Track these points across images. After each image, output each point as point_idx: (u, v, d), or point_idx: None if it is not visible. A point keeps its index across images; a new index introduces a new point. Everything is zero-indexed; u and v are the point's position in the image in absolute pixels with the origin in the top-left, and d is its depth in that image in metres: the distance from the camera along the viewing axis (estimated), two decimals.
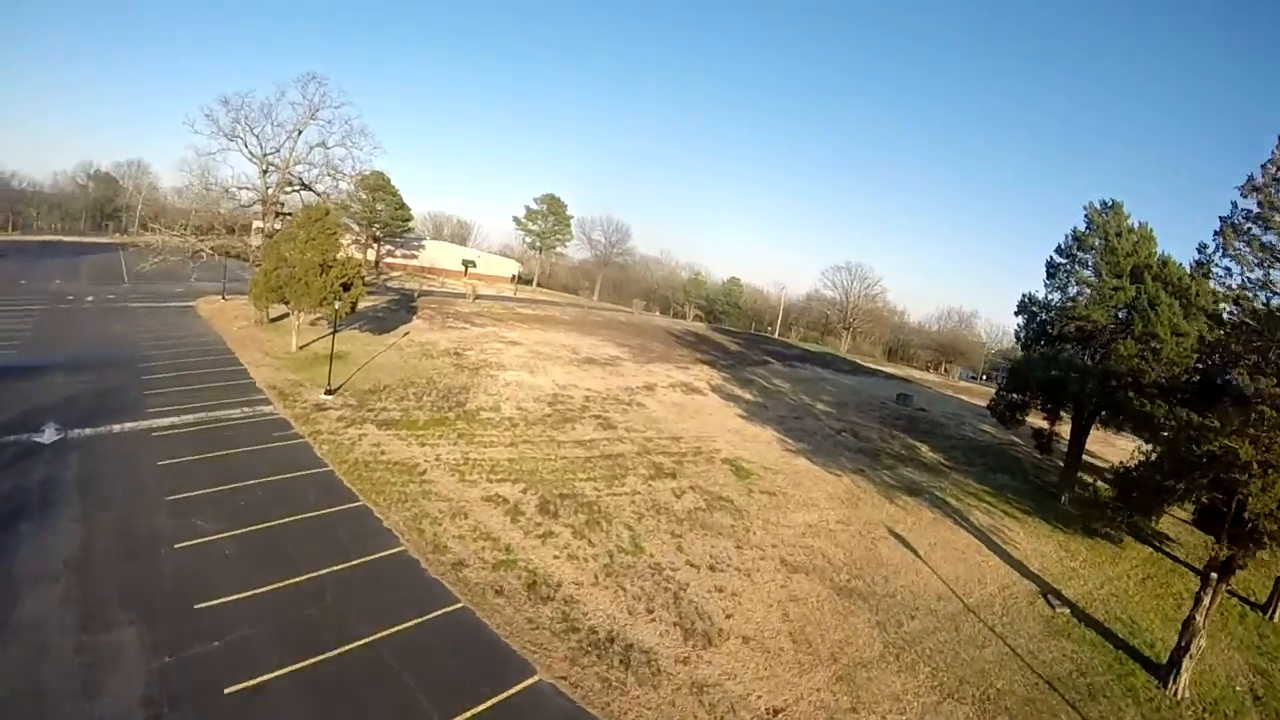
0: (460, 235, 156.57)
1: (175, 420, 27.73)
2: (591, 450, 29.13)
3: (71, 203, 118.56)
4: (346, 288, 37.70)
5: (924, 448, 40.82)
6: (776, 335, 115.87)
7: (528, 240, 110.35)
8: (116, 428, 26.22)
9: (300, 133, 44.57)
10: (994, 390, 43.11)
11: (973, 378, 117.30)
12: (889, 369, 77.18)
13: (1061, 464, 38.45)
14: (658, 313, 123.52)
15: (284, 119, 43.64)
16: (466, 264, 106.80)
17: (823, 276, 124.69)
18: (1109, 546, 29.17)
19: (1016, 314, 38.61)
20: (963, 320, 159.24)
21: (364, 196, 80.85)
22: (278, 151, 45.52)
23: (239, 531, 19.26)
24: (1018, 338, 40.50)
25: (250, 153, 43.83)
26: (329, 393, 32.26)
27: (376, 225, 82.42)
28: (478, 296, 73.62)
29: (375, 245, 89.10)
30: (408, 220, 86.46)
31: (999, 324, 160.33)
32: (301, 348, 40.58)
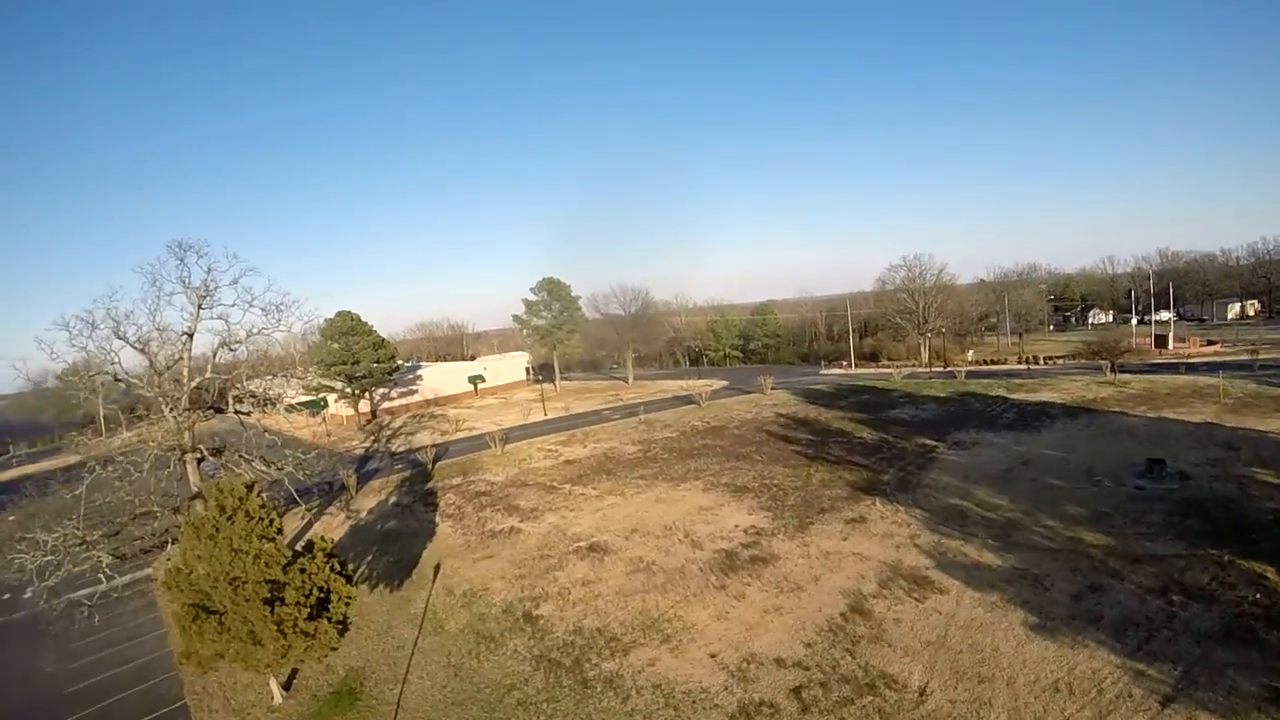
0: (455, 338, 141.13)
1: None
2: None
3: (38, 415, 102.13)
4: (320, 609, 20.98)
5: None
6: (853, 368, 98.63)
7: (527, 337, 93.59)
8: None
9: (190, 336, 28.37)
10: None
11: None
12: (1051, 397, 59.07)
13: None
14: (692, 371, 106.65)
15: (170, 321, 27.66)
16: (474, 381, 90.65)
17: (881, 280, 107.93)
18: None
19: None
20: (1023, 278, 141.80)
21: (335, 346, 64.76)
22: (179, 362, 29.29)
23: None
24: None
25: (133, 380, 27.68)
26: None
27: (360, 377, 66.06)
28: (506, 441, 57.02)
29: (367, 396, 72.76)
30: (392, 358, 70.11)
31: (1058, 269, 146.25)
32: (289, 686, 23.45)
